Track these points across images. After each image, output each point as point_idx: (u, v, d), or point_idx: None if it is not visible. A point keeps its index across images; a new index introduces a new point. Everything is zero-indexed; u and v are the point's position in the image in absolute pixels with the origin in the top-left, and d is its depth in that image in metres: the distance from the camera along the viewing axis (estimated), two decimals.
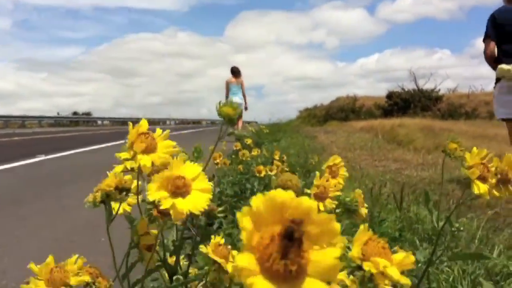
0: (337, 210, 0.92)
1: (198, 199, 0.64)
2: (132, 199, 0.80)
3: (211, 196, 0.65)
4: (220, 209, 0.83)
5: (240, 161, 3.42)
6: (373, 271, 0.51)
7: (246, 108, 10.95)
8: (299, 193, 0.90)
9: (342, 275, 0.55)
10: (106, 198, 0.78)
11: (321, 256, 0.32)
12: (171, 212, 0.63)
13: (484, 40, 4.03)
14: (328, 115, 25.05)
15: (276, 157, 3.00)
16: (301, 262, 0.31)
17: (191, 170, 0.66)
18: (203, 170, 0.72)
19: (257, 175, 2.85)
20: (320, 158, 4.38)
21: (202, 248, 0.76)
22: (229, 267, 0.74)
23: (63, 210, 3.40)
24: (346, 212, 0.95)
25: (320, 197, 0.92)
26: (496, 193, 0.84)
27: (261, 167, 2.85)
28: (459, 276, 1.65)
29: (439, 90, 23.54)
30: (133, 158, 0.69)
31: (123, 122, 35.11)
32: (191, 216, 0.83)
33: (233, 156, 3.97)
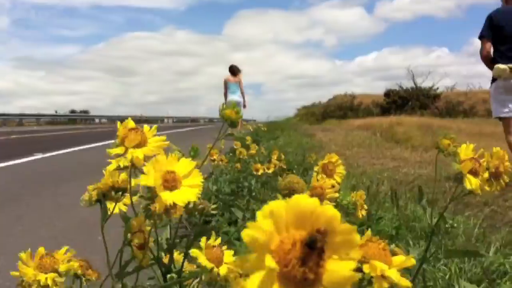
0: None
1: (185, 193, 0.65)
2: (128, 199, 0.80)
3: (199, 191, 0.66)
4: (213, 206, 0.82)
5: (238, 159, 3.42)
6: (373, 274, 0.50)
7: (244, 106, 10.94)
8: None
9: None
10: (102, 198, 0.78)
11: (338, 266, 0.31)
12: (156, 204, 0.64)
13: (480, 39, 4.04)
14: (326, 113, 25.07)
15: (275, 156, 3.00)
16: (318, 271, 0.31)
17: (184, 166, 0.67)
18: (199, 167, 0.72)
19: (255, 173, 2.85)
20: (318, 156, 4.38)
21: (194, 252, 0.75)
22: (222, 270, 0.74)
23: (60, 209, 3.39)
24: (343, 212, 0.94)
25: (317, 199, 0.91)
26: (487, 187, 0.85)
27: (259, 165, 2.85)
28: (455, 274, 1.66)
29: (437, 88, 23.59)
30: (125, 153, 0.70)
31: (121, 120, 34.97)
32: (188, 214, 0.83)
33: (230, 154, 3.97)
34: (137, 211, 0.77)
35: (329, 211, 0.32)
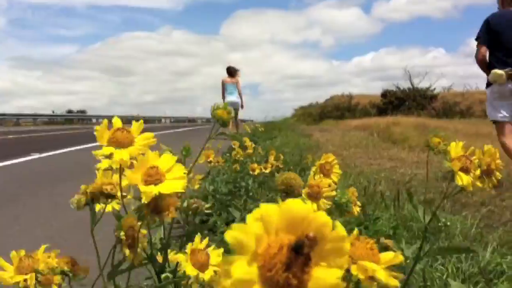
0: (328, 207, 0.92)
1: (171, 185, 0.65)
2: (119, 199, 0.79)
3: (185, 183, 0.66)
4: (207, 205, 0.82)
5: (235, 160, 3.41)
6: (361, 276, 0.49)
7: (242, 107, 10.96)
8: (301, 192, 0.90)
9: None
10: (91, 202, 0.78)
11: (324, 274, 0.31)
12: (143, 198, 0.65)
13: (476, 42, 4.04)
14: (323, 114, 25.10)
15: (272, 157, 2.99)
16: (303, 277, 0.30)
17: (166, 161, 0.68)
18: (192, 167, 0.71)
19: (251, 173, 2.85)
20: (314, 156, 4.39)
21: (180, 257, 0.74)
22: (206, 275, 0.73)
23: (57, 208, 3.38)
24: (338, 209, 0.94)
25: (314, 197, 0.91)
26: (479, 184, 0.85)
27: (255, 165, 2.85)
28: (452, 274, 1.66)
29: (434, 88, 23.64)
30: (111, 155, 0.69)
31: None
32: (185, 214, 0.83)
33: (227, 154, 3.97)
34: (129, 211, 0.77)
35: (321, 217, 0.31)
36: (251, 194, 2.95)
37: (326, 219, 0.31)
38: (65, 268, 0.77)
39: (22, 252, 0.77)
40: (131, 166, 0.69)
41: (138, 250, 0.76)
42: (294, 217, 0.31)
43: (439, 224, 0.96)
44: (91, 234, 0.78)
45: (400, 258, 0.52)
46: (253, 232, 0.30)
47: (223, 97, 10.69)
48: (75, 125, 28.68)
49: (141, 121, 0.74)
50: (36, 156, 7.08)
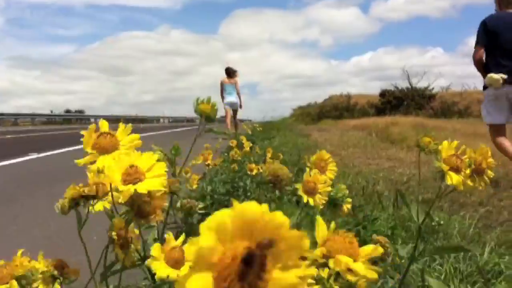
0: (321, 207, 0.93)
1: (149, 183, 0.64)
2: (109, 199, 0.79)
3: (165, 180, 0.65)
4: (200, 205, 0.82)
5: (233, 160, 3.41)
6: (337, 269, 0.50)
7: (240, 107, 11.01)
8: (289, 182, 0.91)
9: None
10: (74, 206, 0.77)
11: (284, 275, 0.30)
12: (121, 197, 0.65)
13: (475, 46, 4.08)
14: (321, 113, 25.10)
15: (269, 154, 2.99)
16: (260, 285, 0.29)
17: (147, 160, 0.67)
18: (181, 167, 0.71)
19: (249, 173, 2.84)
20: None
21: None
22: (182, 272, 0.71)
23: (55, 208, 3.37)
24: (329, 207, 0.95)
25: (310, 193, 0.92)
26: (470, 183, 0.85)
27: (253, 165, 2.85)
28: (450, 274, 1.66)
29: (432, 88, 23.63)
30: (95, 161, 0.69)
31: (116, 120, 34.99)
32: (184, 213, 0.82)
33: (226, 154, 3.96)
34: (116, 215, 0.76)
35: (277, 218, 0.30)
36: (249, 194, 2.95)
37: (282, 220, 0.30)
38: (55, 272, 0.76)
39: (1, 262, 0.76)
40: None
41: (131, 250, 0.76)
42: (248, 221, 0.29)
43: (433, 224, 0.96)
44: (79, 236, 0.77)
45: (379, 250, 0.52)
46: (206, 243, 0.29)
47: (222, 97, 10.76)
48: (73, 125, 28.65)
49: (129, 124, 0.73)
50: (34, 156, 7.07)
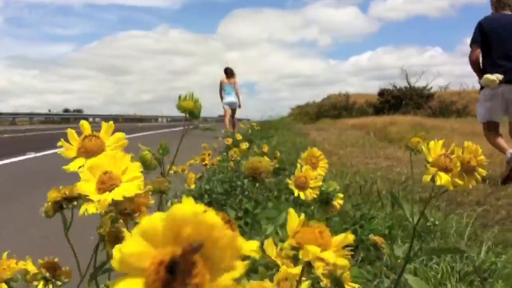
0: (312, 207, 0.94)
1: (124, 189, 0.61)
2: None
3: (140, 182, 0.62)
4: None
5: (232, 160, 3.41)
6: (306, 259, 0.49)
7: (239, 106, 11.05)
8: (269, 175, 0.92)
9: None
10: (59, 209, 0.77)
11: (219, 277, 0.28)
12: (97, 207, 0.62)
13: (470, 45, 4.17)
14: (320, 113, 25.10)
15: (265, 150, 2.99)
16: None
17: (121, 162, 0.63)
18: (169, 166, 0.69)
19: None
20: None
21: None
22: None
23: None
24: (320, 205, 0.96)
25: (301, 187, 0.94)
26: (459, 182, 0.85)
27: None
28: (447, 273, 1.66)
29: (431, 87, 23.64)
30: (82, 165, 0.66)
31: (114, 119, 34.88)
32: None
33: (224, 154, 3.97)
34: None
35: (209, 219, 0.28)
36: (246, 193, 2.95)
37: (213, 220, 0.28)
38: (47, 274, 0.76)
39: None
40: None
41: None
42: (178, 224, 0.28)
43: (428, 224, 0.96)
44: (66, 238, 0.77)
45: (350, 238, 0.51)
46: (129, 249, 0.28)
47: (221, 97, 10.82)
48: (71, 124, 28.57)
49: (111, 122, 0.70)
50: (32, 155, 7.06)
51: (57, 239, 2.62)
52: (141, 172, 0.62)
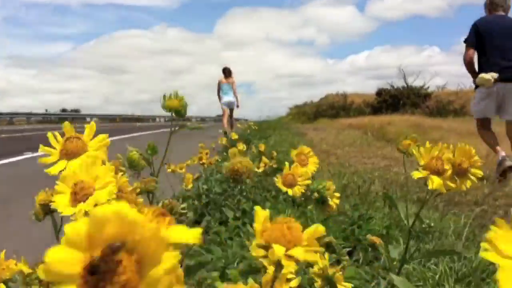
0: (309, 207, 0.94)
1: (97, 197, 0.59)
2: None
3: (113, 187, 0.60)
4: (182, 205, 0.81)
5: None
6: (273, 258, 0.47)
7: (237, 106, 11.07)
8: (251, 174, 0.93)
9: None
10: (49, 212, 0.76)
11: (150, 271, 0.28)
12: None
13: (465, 44, 4.26)
14: (318, 112, 25.12)
15: (261, 149, 2.99)
16: None
17: (92, 169, 0.62)
18: (158, 169, 0.68)
19: None
20: None
21: None
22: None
23: None
24: (317, 205, 0.96)
25: (289, 185, 0.95)
26: (451, 185, 0.84)
27: None
28: (445, 274, 1.66)
29: (428, 87, 23.67)
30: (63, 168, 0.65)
31: (112, 119, 34.91)
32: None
33: (225, 154, 3.96)
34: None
35: (130, 216, 0.28)
36: (244, 193, 2.95)
37: (133, 216, 0.28)
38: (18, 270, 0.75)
39: None
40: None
41: None
42: (100, 225, 0.28)
43: (423, 226, 0.96)
44: (57, 241, 0.77)
45: (320, 229, 0.50)
46: (52, 257, 0.27)
47: (219, 97, 10.84)
48: None
49: (92, 123, 0.69)
50: (29, 155, 7.05)
51: (55, 239, 2.62)
52: (128, 172, 0.61)
